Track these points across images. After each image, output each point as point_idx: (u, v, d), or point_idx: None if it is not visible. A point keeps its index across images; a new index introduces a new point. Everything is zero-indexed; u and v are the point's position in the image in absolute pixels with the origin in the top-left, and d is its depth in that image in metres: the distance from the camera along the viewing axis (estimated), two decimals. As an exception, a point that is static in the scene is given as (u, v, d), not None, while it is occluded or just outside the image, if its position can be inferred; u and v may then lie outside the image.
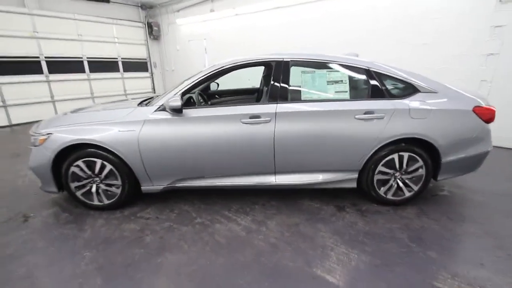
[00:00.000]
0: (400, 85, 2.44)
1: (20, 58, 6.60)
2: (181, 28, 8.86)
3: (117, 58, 8.63)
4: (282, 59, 2.41)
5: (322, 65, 2.42)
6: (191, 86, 2.42)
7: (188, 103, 2.79)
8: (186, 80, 2.51)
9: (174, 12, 8.69)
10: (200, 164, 2.40)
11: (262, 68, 3.35)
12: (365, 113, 2.27)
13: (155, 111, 2.34)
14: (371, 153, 2.34)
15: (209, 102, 3.47)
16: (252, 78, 4.31)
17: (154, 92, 9.92)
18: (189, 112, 2.32)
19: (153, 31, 9.21)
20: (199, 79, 2.43)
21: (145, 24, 9.25)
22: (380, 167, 2.41)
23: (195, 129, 2.30)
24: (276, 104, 2.31)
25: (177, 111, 2.23)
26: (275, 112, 2.27)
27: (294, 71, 2.41)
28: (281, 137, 2.29)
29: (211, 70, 2.44)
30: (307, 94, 2.37)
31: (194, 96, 2.93)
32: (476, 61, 4.47)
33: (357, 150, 2.34)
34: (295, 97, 2.38)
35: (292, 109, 2.30)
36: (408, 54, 5.07)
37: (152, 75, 9.86)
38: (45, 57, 7.04)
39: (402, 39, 5.15)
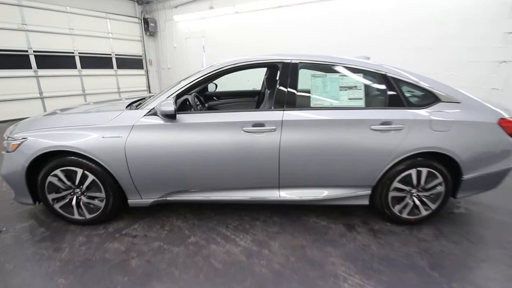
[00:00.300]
0: (420, 93, 2.21)
1: (6, 51, 6.23)
2: (178, 25, 8.57)
3: (110, 54, 8.28)
4: (289, 61, 2.15)
5: (334, 68, 2.18)
6: (187, 88, 2.16)
7: (184, 105, 2.53)
8: (182, 80, 2.24)
9: (171, 8, 8.39)
10: (195, 176, 2.14)
11: (263, 68, 3.09)
12: (382, 124, 2.03)
13: (145, 115, 2.06)
14: (387, 167, 2.11)
15: (206, 105, 3.20)
16: (251, 79, 4.07)
17: (149, 91, 9.59)
18: (184, 117, 2.05)
19: (149, 27, 8.89)
20: (196, 81, 2.17)
21: (141, 20, 8.93)
22: (396, 183, 2.18)
23: (191, 137, 2.03)
24: (282, 111, 2.05)
25: (169, 116, 1.96)
26: (282, 120, 2.02)
27: (303, 74, 2.16)
28: (287, 148, 2.04)
29: (210, 71, 2.18)
30: (317, 101, 2.12)
31: (190, 98, 2.66)
32: (486, 68, 4.28)
33: (372, 164, 2.10)
34: (304, 103, 2.12)
35: (300, 117, 2.05)
36: (412, 59, 4.86)
37: (147, 73, 9.53)
38: (34, 51, 6.68)
39: (406, 43, 4.95)
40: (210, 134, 2.04)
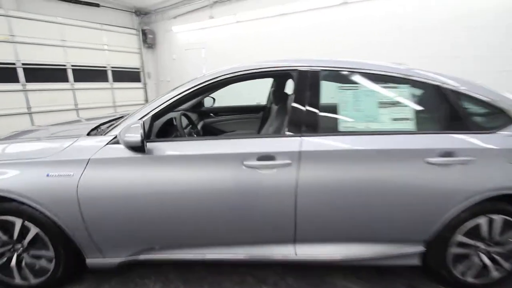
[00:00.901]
0: (485, 111, 1.62)
1: (-9, 64, 5.81)
2: (178, 36, 8.18)
3: (106, 67, 7.84)
4: (307, 68, 1.59)
5: (369, 78, 1.60)
6: (169, 105, 1.59)
7: (168, 127, 1.96)
8: (165, 94, 1.66)
9: (170, 19, 8.02)
10: (178, 228, 1.54)
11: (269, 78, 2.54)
12: (441, 155, 1.44)
13: (108, 143, 1.49)
14: (449, 216, 1.49)
15: (199, 125, 2.62)
16: (254, 91, 3.53)
17: (147, 104, 9.11)
18: (160, 147, 1.47)
19: (147, 39, 8.51)
20: (182, 95, 1.60)
21: (139, 31, 8.55)
22: (458, 236, 1.56)
23: (170, 175, 1.44)
24: (300, 138, 1.47)
25: (136, 149, 1.38)
26: (299, 151, 1.43)
27: (326, 86, 1.58)
28: (307, 190, 1.44)
29: (200, 82, 1.61)
30: (347, 123, 1.54)
31: (176, 117, 2.10)
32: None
33: (428, 211, 1.49)
34: (329, 126, 1.54)
35: (325, 147, 1.46)
36: (435, 69, 4.30)
37: (145, 86, 9.07)
38: (22, 64, 6.25)
39: (427, 51, 4.40)
40: (198, 170, 1.45)
